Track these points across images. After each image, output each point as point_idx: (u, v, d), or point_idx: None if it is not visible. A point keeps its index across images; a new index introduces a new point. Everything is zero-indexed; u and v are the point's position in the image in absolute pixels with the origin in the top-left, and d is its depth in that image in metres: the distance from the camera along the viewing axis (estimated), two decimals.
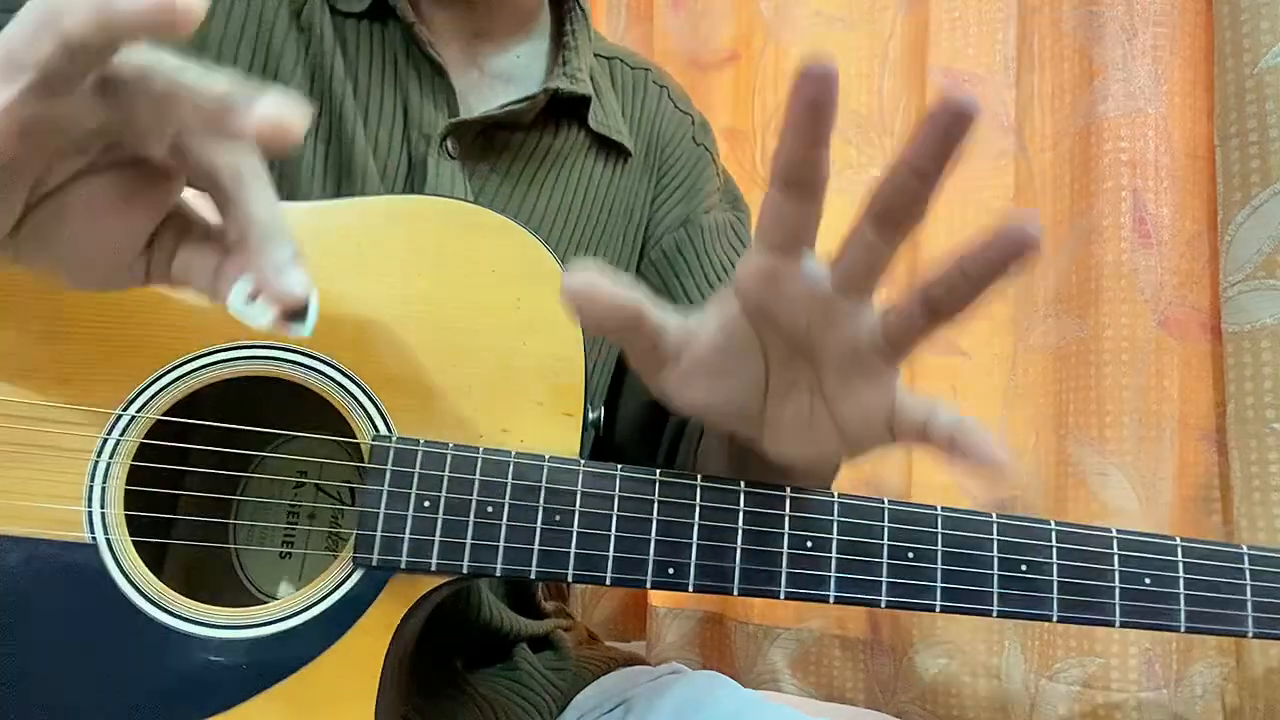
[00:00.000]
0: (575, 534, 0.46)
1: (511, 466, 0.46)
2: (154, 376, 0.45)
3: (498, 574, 0.45)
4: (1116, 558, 0.49)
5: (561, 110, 0.63)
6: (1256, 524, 0.69)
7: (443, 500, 0.45)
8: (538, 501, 0.46)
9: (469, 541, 0.45)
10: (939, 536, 0.48)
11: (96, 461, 0.44)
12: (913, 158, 0.32)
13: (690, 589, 0.46)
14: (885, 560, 0.47)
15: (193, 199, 0.37)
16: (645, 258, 0.68)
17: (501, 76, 0.64)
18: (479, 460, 0.46)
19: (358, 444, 0.46)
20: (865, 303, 0.37)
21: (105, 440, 0.44)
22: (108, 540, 0.43)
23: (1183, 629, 0.50)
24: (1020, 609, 0.48)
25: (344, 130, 0.56)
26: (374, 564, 0.44)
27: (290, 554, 0.55)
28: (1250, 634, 0.50)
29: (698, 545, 0.46)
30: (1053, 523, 0.49)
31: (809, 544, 0.47)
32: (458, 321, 0.47)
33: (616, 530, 0.46)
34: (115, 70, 0.31)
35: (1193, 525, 0.74)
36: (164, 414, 0.45)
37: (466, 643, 0.59)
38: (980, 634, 0.81)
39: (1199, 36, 0.76)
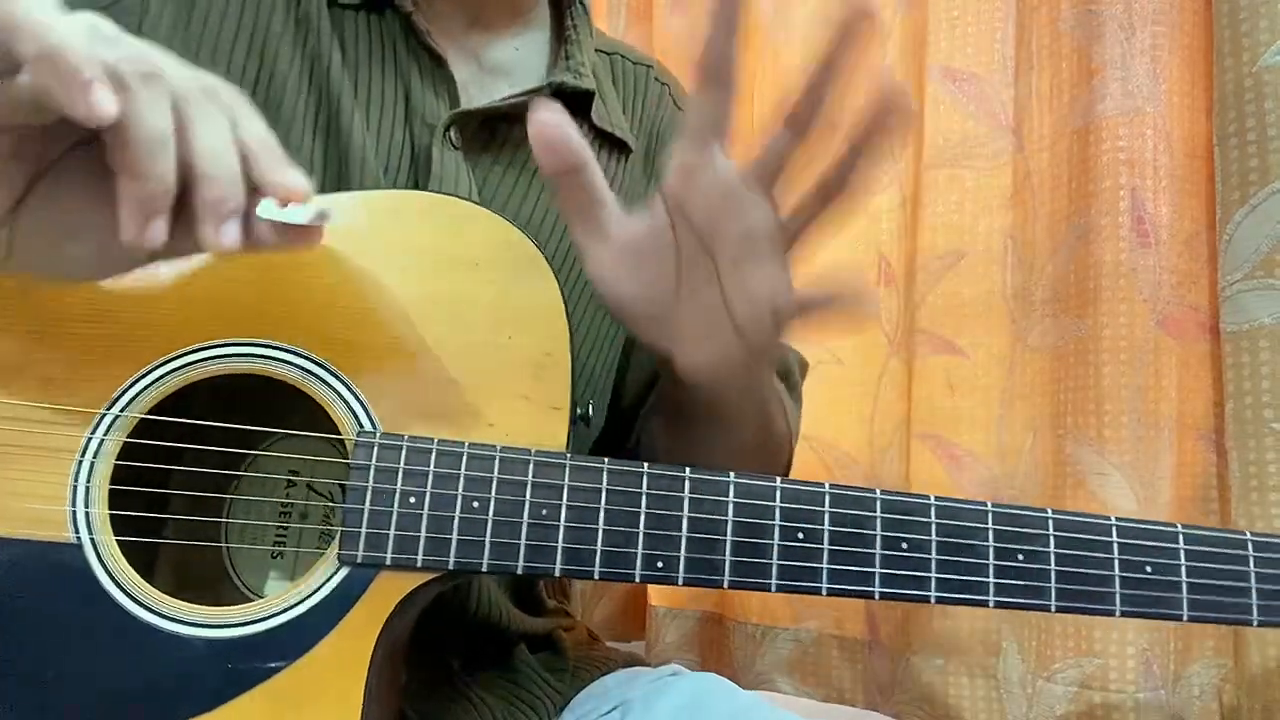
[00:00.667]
0: (562, 528, 0.45)
1: (497, 461, 0.45)
2: (138, 375, 0.45)
3: (484, 570, 0.44)
4: (1116, 545, 0.48)
5: (564, 104, 0.62)
6: (1255, 524, 0.68)
7: (428, 496, 0.45)
8: (524, 496, 0.45)
9: (454, 537, 0.44)
10: (933, 526, 0.47)
11: (80, 461, 0.44)
12: (821, 60, 0.37)
13: (680, 582, 0.46)
14: (878, 551, 0.47)
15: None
16: None
17: (500, 69, 0.64)
18: (464, 455, 0.45)
19: (344, 441, 0.45)
20: (766, 195, 0.41)
21: (89, 439, 0.44)
22: (92, 540, 0.43)
23: (1185, 618, 0.49)
24: (1017, 599, 0.47)
25: (342, 123, 0.56)
26: (359, 561, 0.44)
27: (282, 553, 0.54)
28: (1255, 622, 0.49)
29: (687, 538, 0.46)
30: (1049, 511, 0.48)
31: (800, 535, 0.46)
32: (443, 315, 0.47)
33: (604, 524, 0.45)
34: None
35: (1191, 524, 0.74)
36: (149, 412, 0.45)
37: (465, 639, 0.58)
38: (978, 635, 0.81)
39: (1198, 35, 0.76)
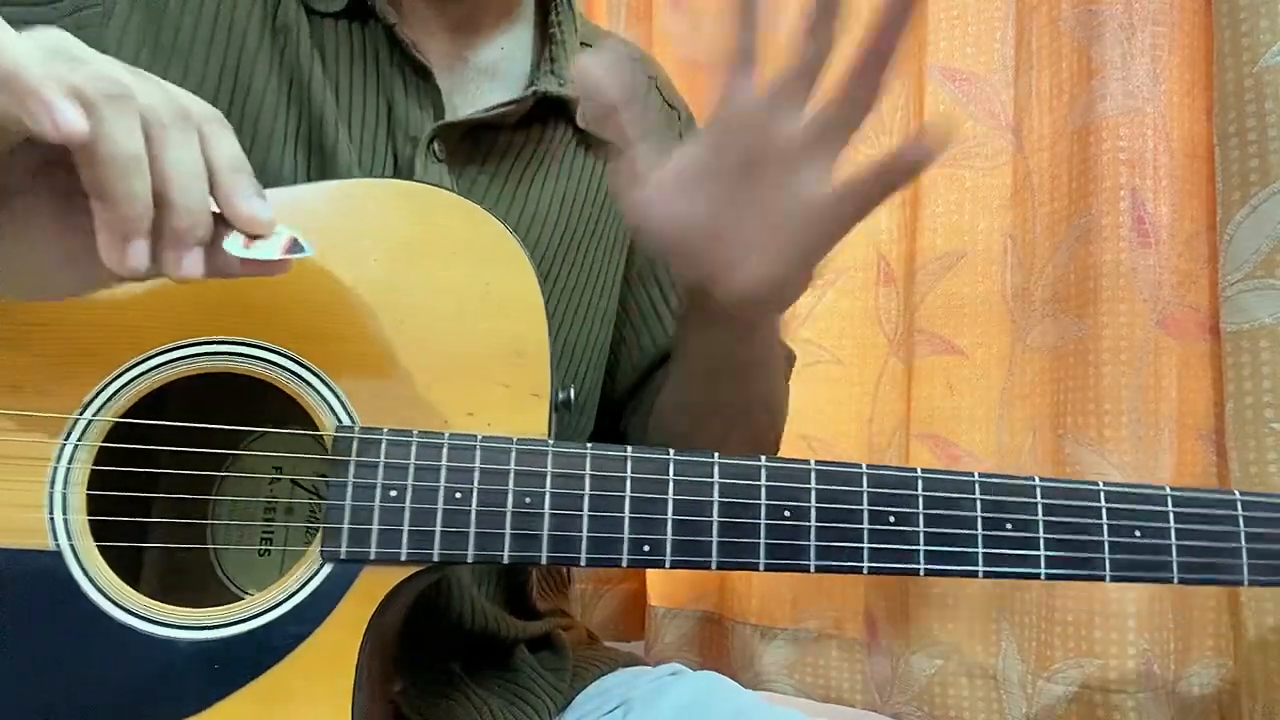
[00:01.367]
0: (547, 516, 0.45)
1: (478, 451, 0.45)
2: (110, 378, 0.44)
3: (470, 561, 0.44)
4: (1104, 511, 0.48)
5: (549, 108, 0.62)
6: None
7: (409, 489, 0.44)
8: (507, 485, 0.45)
9: (438, 529, 0.44)
10: (920, 499, 0.47)
11: (55, 467, 0.43)
12: None
13: (668, 565, 0.45)
14: (866, 526, 0.46)
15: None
16: (639, 255, 0.68)
17: (487, 71, 0.62)
18: (445, 447, 0.45)
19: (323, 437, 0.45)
20: (799, 107, 0.43)
21: (64, 446, 0.43)
22: (72, 546, 0.43)
23: (1175, 580, 0.49)
24: (1007, 568, 0.47)
25: (325, 135, 0.55)
26: (342, 557, 0.43)
27: (270, 551, 0.54)
28: (1246, 582, 0.49)
29: (673, 521, 0.45)
30: (1036, 479, 0.48)
31: (786, 513, 0.46)
32: (418, 305, 0.46)
33: (589, 510, 0.45)
34: None
35: None
36: (124, 416, 0.44)
37: (467, 648, 0.58)
38: (978, 635, 0.81)
39: (1198, 35, 0.76)
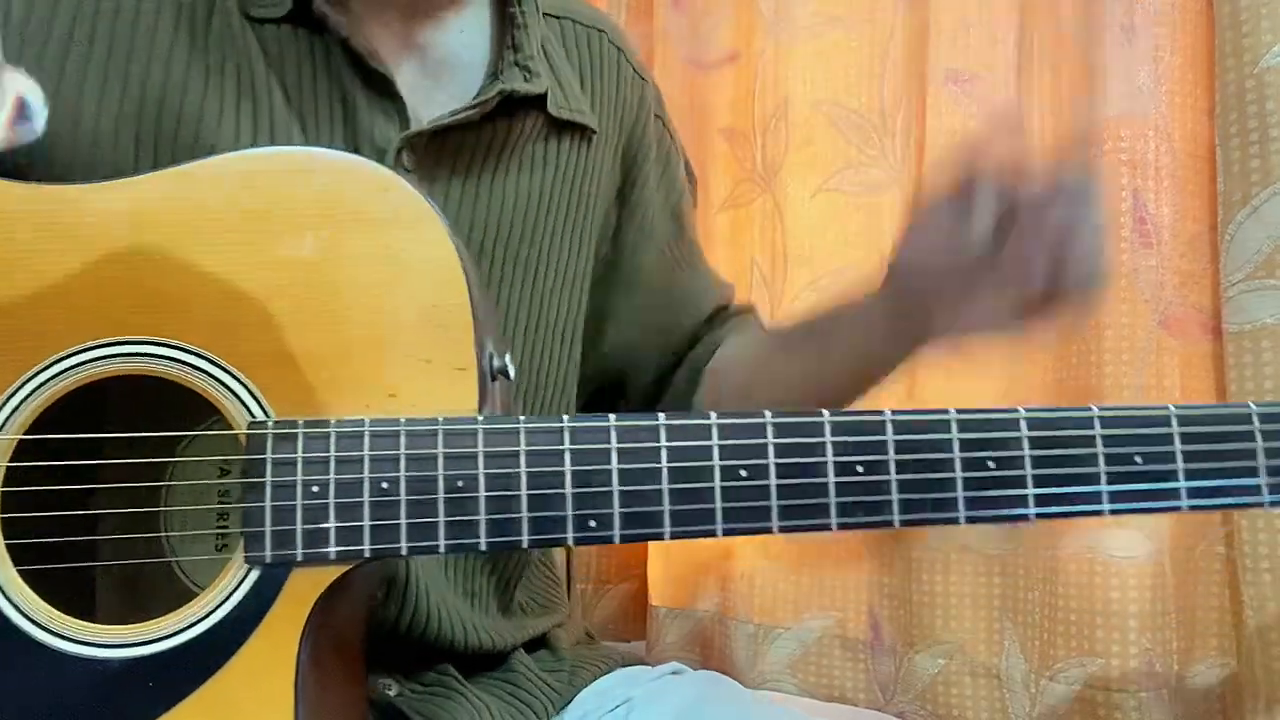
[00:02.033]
0: (482, 499, 0.42)
1: (403, 436, 0.42)
2: (9, 392, 0.42)
3: (404, 553, 0.41)
4: (1100, 439, 0.44)
5: (517, 99, 0.58)
6: (1257, 524, 0.68)
7: (332, 484, 0.41)
8: (436, 470, 0.42)
9: (367, 523, 0.41)
10: (890, 444, 0.43)
11: None
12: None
13: (618, 540, 0.42)
14: (831, 479, 0.42)
15: None
16: (624, 239, 0.67)
17: (445, 64, 0.59)
18: (365, 435, 0.42)
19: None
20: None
21: None
22: None
23: (1185, 507, 0.44)
24: (992, 511, 0.43)
25: (280, 142, 0.53)
26: (268, 560, 0.41)
27: (227, 544, 0.52)
28: (1267, 503, 0.45)
29: (619, 492, 0.42)
30: (1021, 410, 0.43)
31: (743, 473, 0.42)
32: (322, 280, 0.43)
33: (527, 489, 0.42)
34: None
35: (1193, 525, 0.75)
36: (26, 433, 0.42)
37: (467, 658, 0.57)
38: (981, 634, 0.82)
39: (1199, 36, 0.76)
